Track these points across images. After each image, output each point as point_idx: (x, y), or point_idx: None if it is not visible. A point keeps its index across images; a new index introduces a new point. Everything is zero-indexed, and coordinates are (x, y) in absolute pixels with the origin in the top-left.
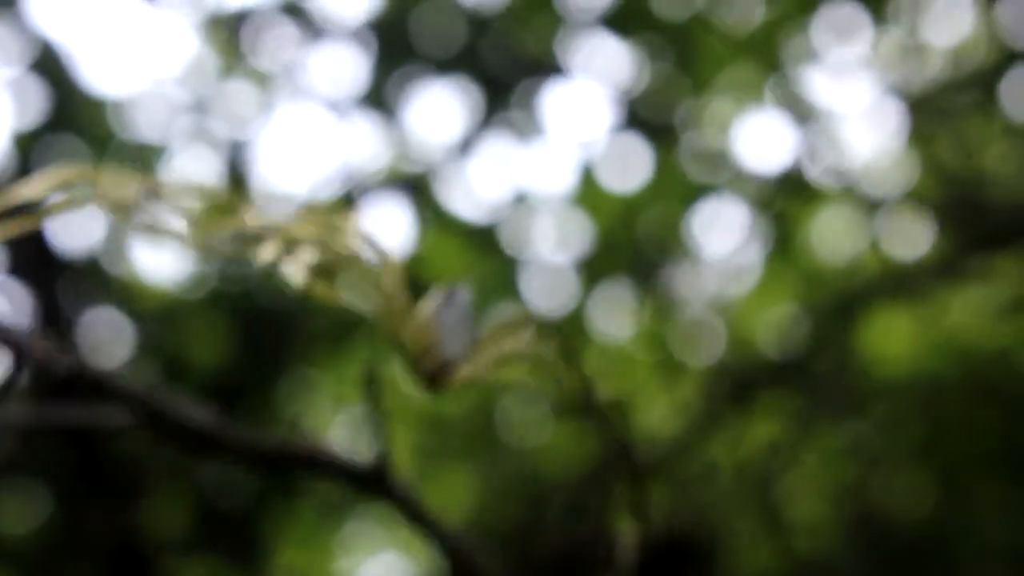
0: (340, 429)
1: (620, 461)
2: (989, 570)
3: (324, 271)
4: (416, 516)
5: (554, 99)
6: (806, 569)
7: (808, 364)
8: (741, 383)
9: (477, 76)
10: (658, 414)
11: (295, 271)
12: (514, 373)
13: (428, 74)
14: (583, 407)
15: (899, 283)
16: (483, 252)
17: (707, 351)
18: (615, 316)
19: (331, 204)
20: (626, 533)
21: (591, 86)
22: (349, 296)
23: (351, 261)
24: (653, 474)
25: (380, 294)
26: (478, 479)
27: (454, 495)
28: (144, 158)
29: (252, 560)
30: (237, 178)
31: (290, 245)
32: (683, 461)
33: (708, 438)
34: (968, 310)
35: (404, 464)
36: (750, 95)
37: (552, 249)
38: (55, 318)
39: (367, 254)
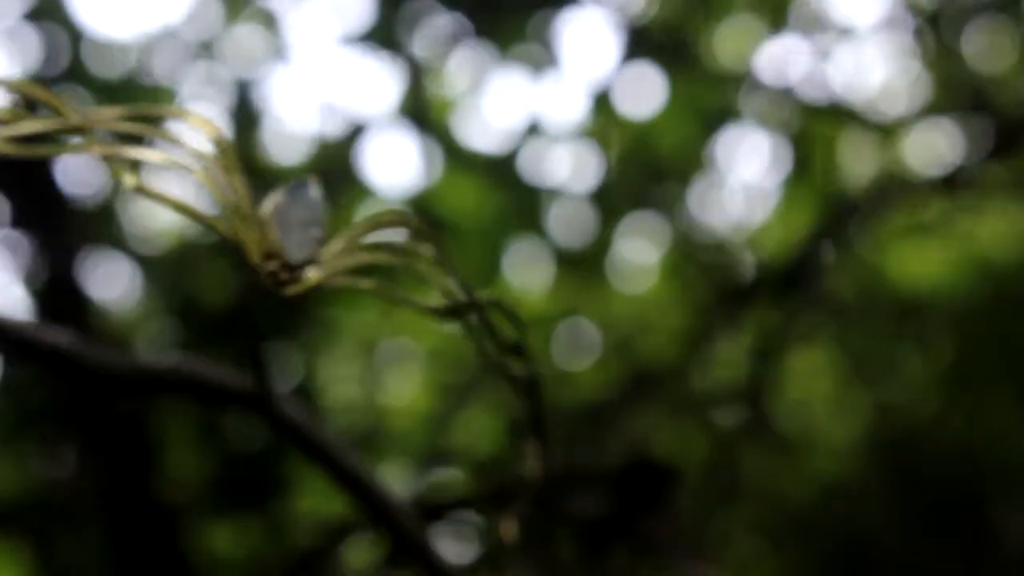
0: (359, 372)
1: (508, 368)
2: (1018, 490)
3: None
4: (303, 441)
5: (566, 28)
6: (831, 492)
7: (831, 282)
8: (745, 292)
9: (488, 8)
10: (672, 337)
11: (121, 170)
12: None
13: (438, 8)
14: (463, 309)
15: (920, 196)
16: (500, 186)
17: (727, 274)
18: (637, 245)
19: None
20: (528, 458)
21: (603, 13)
22: (182, 197)
23: (183, 156)
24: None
25: (216, 190)
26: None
27: (474, 432)
28: (151, 101)
29: (273, 506)
30: (247, 119)
31: (115, 143)
32: (695, 381)
33: (713, 352)
34: (995, 227)
35: (423, 403)
36: (766, 15)
37: (570, 180)
38: (63, 264)
39: (199, 146)
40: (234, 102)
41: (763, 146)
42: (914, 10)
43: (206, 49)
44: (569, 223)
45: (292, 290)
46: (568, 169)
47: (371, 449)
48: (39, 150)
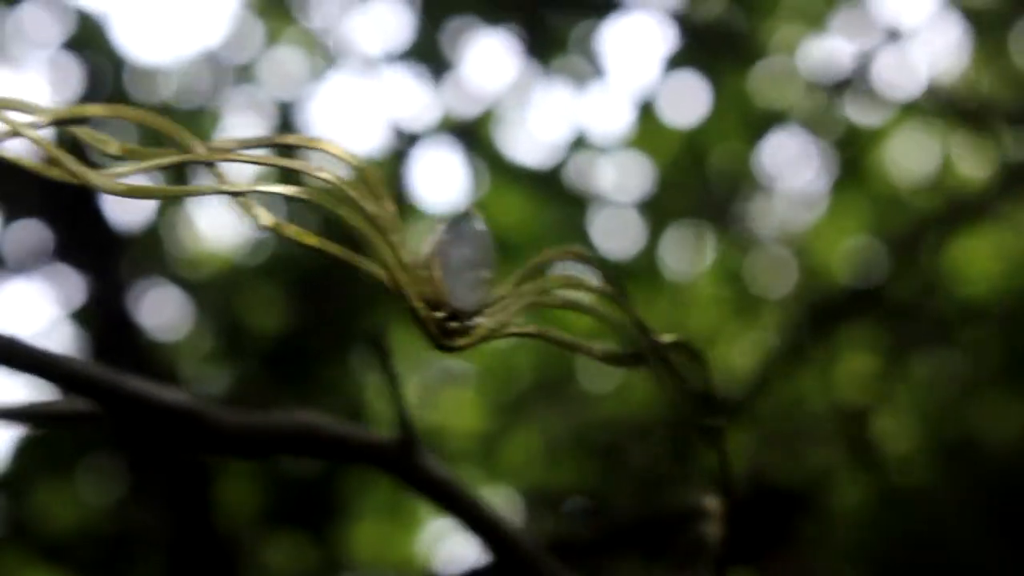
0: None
1: (695, 416)
2: None
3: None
4: (448, 499)
5: (610, 37)
6: (903, 503)
7: (890, 290)
8: (822, 314)
9: (529, 21)
10: (738, 353)
11: (254, 209)
12: (552, 323)
13: (480, 23)
14: (644, 354)
15: (976, 201)
16: (546, 199)
17: (783, 284)
18: (686, 255)
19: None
20: (709, 505)
21: (647, 20)
22: (326, 237)
23: (326, 191)
24: (733, 423)
25: (366, 228)
26: (550, 433)
27: (527, 452)
28: (194, 125)
29: (330, 531)
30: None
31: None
32: (767, 400)
33: (792, 374)
34: None
35: (472, 424)
36: (814, 17)
37: (616, 191)
38: (113, 295)
39: (342, 178)
40: (277, 124)
41: (812, 150)
42: (964, 8)
43: (247, 71)
44: (617, 234)
45: (463, 342)
46: (615, 180)
47: None
48: (163, 191)
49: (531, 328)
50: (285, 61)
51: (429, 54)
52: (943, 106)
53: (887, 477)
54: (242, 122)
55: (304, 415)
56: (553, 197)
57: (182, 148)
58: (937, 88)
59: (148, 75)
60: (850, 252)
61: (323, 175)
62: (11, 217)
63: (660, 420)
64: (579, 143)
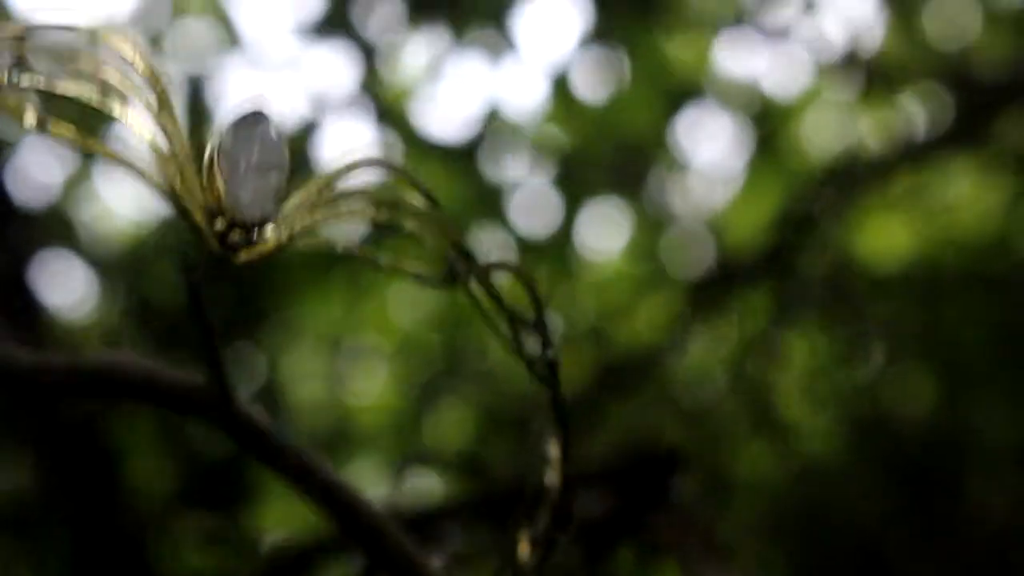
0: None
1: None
2: (996, 466)
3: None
4: (267, 449)
5: (524, 10)
6: (807, 474)
7: (794, 257)
8: (725, 282)
9: None
10: (646, 324)
11: (20, 105)
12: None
13: None
14: (460, 275)
15: (890, 168)
16: (460, 174)
17: (696, 260)
18: (602, 231)
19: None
20: (552, 468)
21: None
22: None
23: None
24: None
25: (144, 130)
26: (462, 407)
27: (452, 427)
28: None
29: (241, 511)
30: (201, 114)
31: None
32: (671, 368)
33: (695, 342)
34: (962, 196)
35: (391, 400)
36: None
37: (531, 166)
38: (14, 269)
39: (130, 82)
40: (186, 97)
41: (727, 125)
42: None
43: (156, 44)
44: (532, 210)
45: (246, 255)
46: (529, 155)
47: (339, 450)
48: None
49: (327, 241)
50: (194, 33)
51: (341, 26)
52: (858, 75)
53: (792, 448)
54: None
55: (112, 353)
56: (468, 172)
57: None
58: (852, 57)
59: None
60: (762, 225)
61: (113, 75)
62: None
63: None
64: (494, 118)
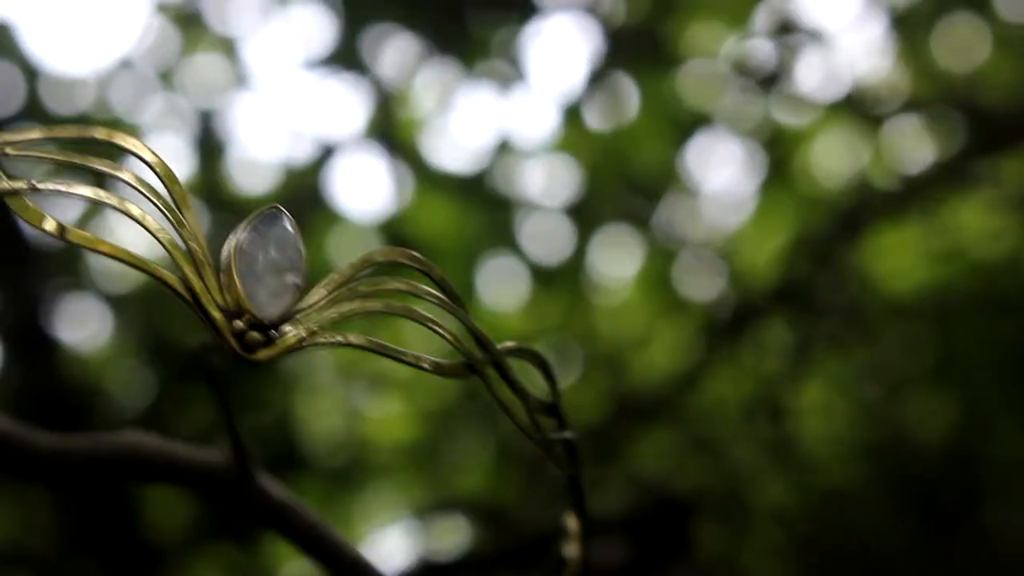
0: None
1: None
2: (1012, 489)
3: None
4: (287, 524)
5: (533, 41)
6: (826, 501)
7: (810, 288)
8: (741, 313)
9: (451, 25)
10: (664, 353)
11: (33, 211)
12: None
13: (401, 28)
14: (477, 364)
15: (902, 196)
16: (472, 205)
17: (709, 287)
18: (614, 260)
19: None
20: (569, 524)
21: (569, 23)
22: (119, 242)
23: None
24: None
25: (161, 232)
26: (477, 443)
27: (453, 462)
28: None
29: (258, 541)
30: (211, 150)
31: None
32: (690, 399)
33: (711, 374)
34: (974, 220)
35: (404, 434)
36: (736, 19)
37: (543, 196)
38: (30, 308)
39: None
40: (197, 133)
41: (738, 152)
42: (886, 7)
43: (166, 80)
44: (544, 239)
45: (265, 355)
46: (541, 184)
47: (354, 482)
48: None
49: (348, 337)
50: (204, 69)
51: (350, 60)
52: (867, 105)
53: (809, 477)
54: (163, 131)
55: (131, 435)
56: (479, 203)
57: None
58: (861, 88)
59: (64, 85)
60: (775, 253)
61: (127, 177)
62: None
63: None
64: (504, 148)
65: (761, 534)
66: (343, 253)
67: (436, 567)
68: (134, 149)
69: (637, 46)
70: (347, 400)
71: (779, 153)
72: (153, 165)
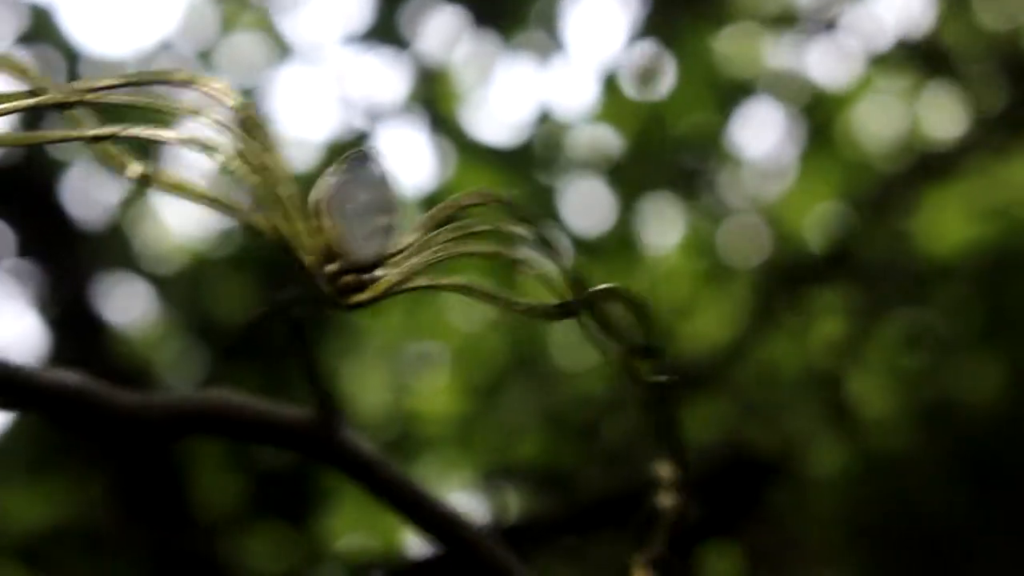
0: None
1: (638, 372)
2: None
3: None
4: (374, 479)
5: (571, 9)
6: (881, 466)
7: (859, 253)
8: (792, 279)
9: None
10: (711, 321)
11: (119, 157)
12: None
13: (439, 1)
14: (574, 306)
15: (948, 156)
16: (514, 176)
17: (755, 253)
18: (658, 228)
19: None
20: (662, 472)
21: None
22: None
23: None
24: (707, 392)
25: (249, 173)
26: (524, 413)
27: (501, 433)
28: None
29: (310, 522)
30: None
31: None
32: (741, 367)
33: (765, 340)
34: (1021, 178)
35: (448, 407)
36: None
37: (585, 165)
38: (77, 291)
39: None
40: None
41: (779, 116)
42: None
43: (205, 59)
44: (587, 209)
45: (361, 298)
46: (582, 154)
47: (405, 456)
48: (10, 138)
49: (444, 280)
50: (243, 47)
51: (389, 34)
52: (912, 59)
53: (864, 442)
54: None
55: (216, 392)
56: (521, 174)
57: (36, 90)
58: (906, 42)
59: (104, 67)
60: (821, 218)
61: (202, 117)
62: None
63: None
64: (545, 118)
65: (816, 501)
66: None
67: (508, 528)
68: (216, 93)
69: (678, 6)
70: (394, 374)
71: (823, 116)
72: (237, 108)
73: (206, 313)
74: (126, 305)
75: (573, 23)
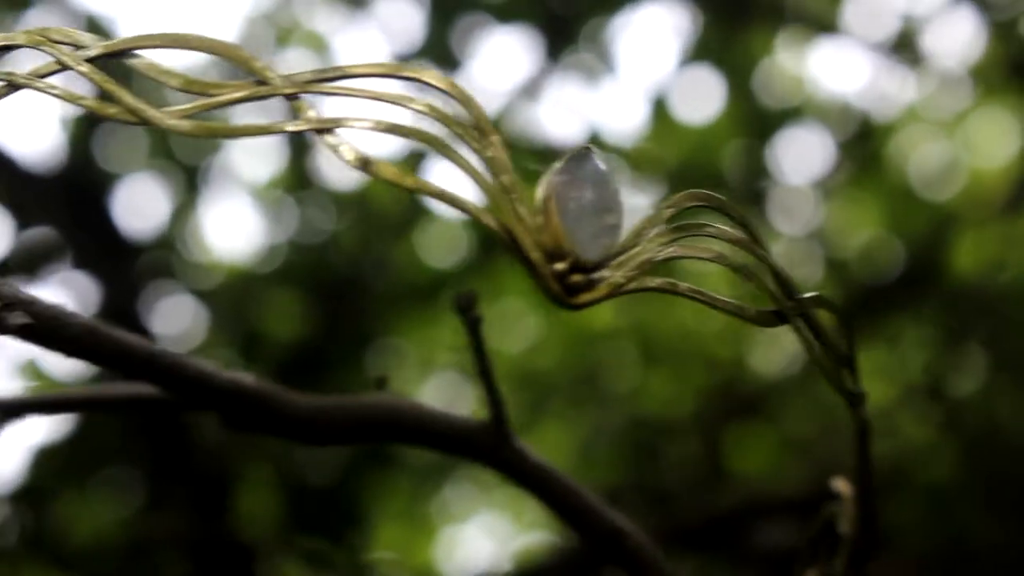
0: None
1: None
2: None
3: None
4: (545, 488)
5: (622, 33)
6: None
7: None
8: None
9: (540, 18)
10: (768, 349)
11: (341, 146)
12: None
13: (491, 20)
14: (786, 312)
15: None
16: None
17: (806, 278)
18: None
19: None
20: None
21: (659, 16)
22: (429, 182)
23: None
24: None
25: (471, 168)
26: (581, 432)
27: (557, 451)
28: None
29: (349, 538)
30: (302, 142)
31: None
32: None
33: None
34: None
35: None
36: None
37: (631, 188)
38: (126, 302)
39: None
40: None
41: (827, 141)
42: None
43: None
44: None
45: (587, 298)
46: (628, 177)
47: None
48: (230, 129)
49: (661, 282)
50: (294, 64)
51: (440, 53)
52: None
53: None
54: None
55: (386, 398)
56: None
57: (257, 81)
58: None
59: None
60: (870, 245)
61: (424, 109)
62: (24, 224)
63: (689, 417)
64: (593, 140)
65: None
66: (439, 252)
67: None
68: (439, 84)
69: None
70: (432, 393)
71: (870, 142)
72: (458, 98)
73: (252, 327)
74: (173, 318)
75: (623, 43)
